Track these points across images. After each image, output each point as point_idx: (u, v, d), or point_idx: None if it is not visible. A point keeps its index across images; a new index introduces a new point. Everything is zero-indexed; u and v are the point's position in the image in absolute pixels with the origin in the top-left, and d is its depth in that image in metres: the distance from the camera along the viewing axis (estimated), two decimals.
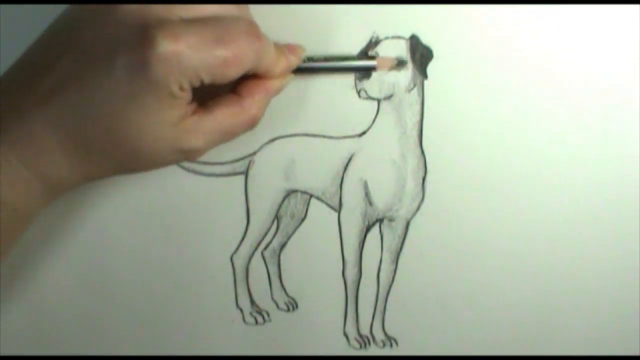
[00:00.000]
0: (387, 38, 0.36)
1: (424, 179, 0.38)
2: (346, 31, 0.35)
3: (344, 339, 0.41)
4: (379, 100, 0.37)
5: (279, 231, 0.39)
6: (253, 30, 0.30)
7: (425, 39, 0.36)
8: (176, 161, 0.32)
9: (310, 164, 0.38)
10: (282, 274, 0.40)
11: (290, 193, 0.39)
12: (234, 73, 0.30)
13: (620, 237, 0.38)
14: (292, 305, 0.40)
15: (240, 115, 0.32)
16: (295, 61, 0.33)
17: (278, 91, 0.33)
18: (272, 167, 0.38)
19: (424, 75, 0.36)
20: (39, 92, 0.29)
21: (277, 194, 0.39)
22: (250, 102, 0.32)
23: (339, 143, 0.37)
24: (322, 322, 0.40)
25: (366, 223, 0.39)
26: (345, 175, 0.38)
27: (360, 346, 0.41)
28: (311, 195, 0.39)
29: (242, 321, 0.40)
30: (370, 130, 0.37)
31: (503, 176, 0.38)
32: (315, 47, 0.36)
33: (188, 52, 0.27)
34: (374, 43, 0.36)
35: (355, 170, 0.38)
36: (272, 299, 0.40)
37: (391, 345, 0.41)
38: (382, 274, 0.39)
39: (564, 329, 0.40)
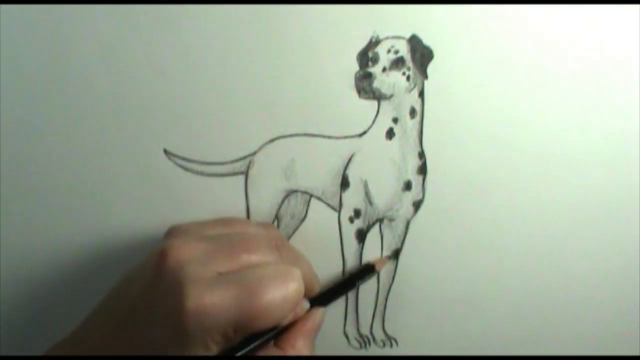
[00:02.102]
0: (387, 38, 0.36)
1: (424, 179, 0.38)
2: (346, 31, 0.36)
3: (344, 339, 0.41)
4: (379, 100, 0.37)
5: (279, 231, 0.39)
6: (286, 279, 0.31)
7: (425, 39, 0.36)
8: None
9: (310, 164, 0.38)
10: None
11: (290, 193, 0.39)
12: (263, 325, 0.30)
13: (620, 237, 0.38)
14: None
15: None
16: (306, 306, 0.34)
17: (317, 330, 0.34)
18: (272, 167, 0.38)
19: (424, 75, 0.36)
20: (97, 346, 0.31)
21: (277, 194, 0.39)
22: (294, 353, 0.32)
23: (339, 143, 0.37)
24: (322, 322, 0.40)
25: (366, 223, 0.39)
26: (345, 175, 0.38)
27: (360, 346, 0.41)
28: (311, 195, 0.39)
29: None
30: (370, 130, 0.37)
31: (503, 176, 0.38)
32: (316, 47, 0.36)
33: (214, 309, 0.29)
34: (374, 43, 0.36)
35: (355, 170, 0.38)
36: None
37: (391, 345, 0.41)
38: (382, 274, 0.39)
39: (564, 329, 0.40)
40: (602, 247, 0.39)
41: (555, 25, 0.35)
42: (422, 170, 0.38)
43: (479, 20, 0.35)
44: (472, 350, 0.41)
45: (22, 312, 0.40)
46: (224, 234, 0.33)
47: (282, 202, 0.39)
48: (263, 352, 0.32)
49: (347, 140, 0.37)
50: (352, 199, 0.38)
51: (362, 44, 0.36)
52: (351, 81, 0.36)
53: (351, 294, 0.40)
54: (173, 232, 0.34)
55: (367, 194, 0.38)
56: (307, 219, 0.39)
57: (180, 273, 0.30)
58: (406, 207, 0.38)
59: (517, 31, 0.35)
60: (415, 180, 0.38)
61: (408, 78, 0.36)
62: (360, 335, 0.40)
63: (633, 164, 0.37)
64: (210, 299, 0.29)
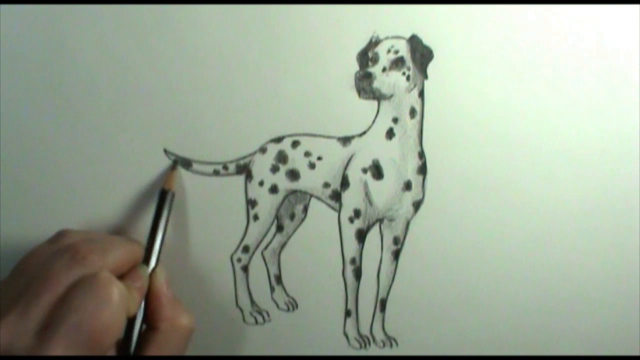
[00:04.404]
0: (387, 38, 0.36)
1: (424, 179, 0.38)
2: (346, 31, 0.36)
3: (344, 339, 0.41)
4: (379, 100, 0.37)
5: (279, 231, 0.39)
6: (101, 291, 0.29)
7: (425, 39, 0.36)
8: None
9: (310, 163, 0.38)
10: (282, 274, 0.40)
11: (290, 193, 0.39)
12: (113, 336, 0.30)
13: (620, 237, 0.38)
14: (292, 305, 0.40)
15: None
16: (146, 273, 0.34)
17: (167, 286, 0.34)
18: (272, 167, 0.38)
19: (424, 75, 0.36)
20: None
21: (278, 194, 0.39)
22: (169, 324, 0.33)
23: (339, 143, 0.37)
24: (322, 322, 0.40)
25: (366, 223, 0.39)
26: (345, 175, 0.38)
27: (360, 346, 0.41)
28: (311, 195, 0.39)
29: (242, 321, 0.40)
30: (370, 130, 0.37)
31: (503, 176, 0.38)
32: (316, 47, 0.36)
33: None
34: (374, 43, 0.36)
35: (355, 170, 0.38)
36: (272, 299, 0.40)
37: (391, 345, 0.41)
38: (382, 274, 0.39)
39: (564, 329, 0.40)
40: (603, 247, 0.39)
41: (555, 25, 0.35)
42: (422, 170, 0.38)
43: (478, 20, 0.35)
44: (472, 351, 0.41)
45: None
46: (20, 285, 0.30)
47: (282, 202, 0.39)
48: (143, 340, 0.32)
49: (347, 140, 0.37)
50: (352, 199, 0.38)
51: (362, 44, 0.36)
52: (351, 81, 0.36)
53: (351, 294, 0.40)
54: None
55: (367, 194, 0.38)
56: (307, 219, 0.39)
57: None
58: (406, 207, 0.38)
59: (517, 31, 0.35)
60: (415, 180, 0.38)
61: (408, 78, 0.36)
62: (360, 336, 0.40)
63: (633, 163, 0.37)
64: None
